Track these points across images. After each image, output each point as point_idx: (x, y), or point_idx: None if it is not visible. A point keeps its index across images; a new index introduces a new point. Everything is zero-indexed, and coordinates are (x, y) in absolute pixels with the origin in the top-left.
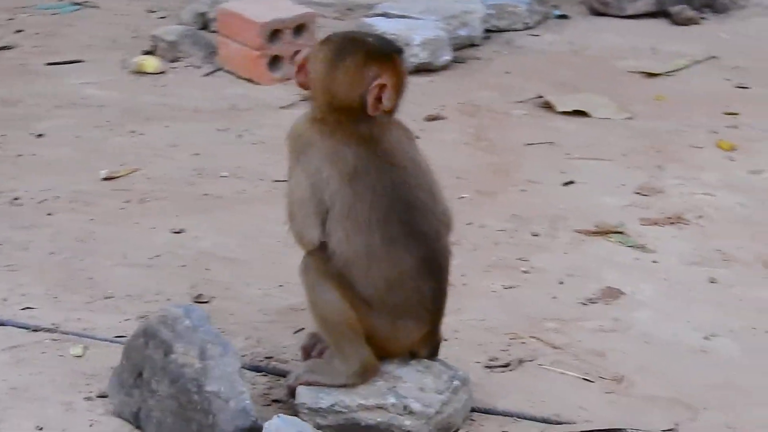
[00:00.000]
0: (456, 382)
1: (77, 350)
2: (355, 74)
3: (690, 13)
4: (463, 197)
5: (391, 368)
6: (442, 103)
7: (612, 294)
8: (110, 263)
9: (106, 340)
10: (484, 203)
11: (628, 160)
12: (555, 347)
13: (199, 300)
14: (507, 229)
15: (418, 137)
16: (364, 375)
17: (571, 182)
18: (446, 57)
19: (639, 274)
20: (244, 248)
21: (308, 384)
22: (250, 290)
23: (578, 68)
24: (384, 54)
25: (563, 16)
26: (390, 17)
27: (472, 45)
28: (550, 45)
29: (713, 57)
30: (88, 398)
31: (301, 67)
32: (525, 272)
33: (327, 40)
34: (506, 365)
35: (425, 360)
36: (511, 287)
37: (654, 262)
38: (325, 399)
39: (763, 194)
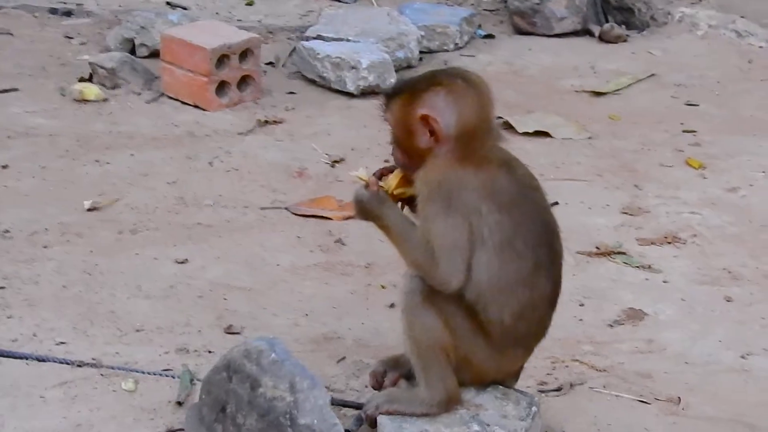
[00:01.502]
0: (534, 408)
1: (129, 385)
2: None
3: (618, 30)
4: None
5: (470, 396)
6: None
7: (636, 315)
8: (126, 296)
9: (155, 374)
10: None
11: (604, 180)
12: (599, 370)
13: (230, 331)
14: None
15: (387, 161)
16: (449, 404)
17: (556, 203)
18: (391, 79)
19: (654, 295)
20: (254, 277)
21: (389, 413)
22: (277, 320)
23: (524, 88)
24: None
25: (489, 36)
26: (326, 41)
27: (409, 67)
28: (488, 65)
29: (653, 75)
30: None
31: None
32: None
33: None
34: (558, 389)
35: (500, 387)
36: None
37: (665, 282)
38: (409, 428)
39: (747, 213)
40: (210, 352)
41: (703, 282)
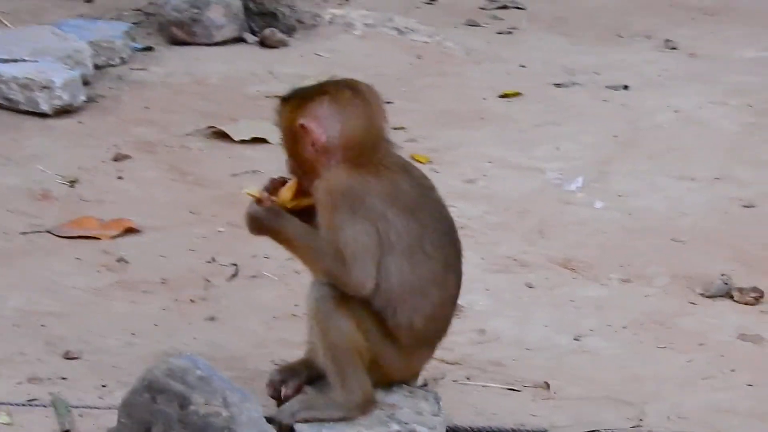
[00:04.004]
0: (441, 403)
1: (4, 418)
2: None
3: (280, 35)
4: (220, 231)
5: (381, 397)
6: (112, 142)
7: None
8: None
9: (22, 405)
10: (246, 234)
11: None
12: (450, 363)
13: (69, 356)
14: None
15: (122, 178)
16: (365, 406)
17: None
18: (81, 97)
19: None
20: (59, 302)
21: (306, 421)
22: (109, 342)
23: (214, 97)
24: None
25: (147, 48)
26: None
27: (86, 83)
28: (168, 77)
29: (334, 76)
30: None
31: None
32: None
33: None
34: (424, 385)
35: (404, 386)
36: None
37: None
38: None
39: (499, 202)
40: (64, 378)
41: (496, 271)
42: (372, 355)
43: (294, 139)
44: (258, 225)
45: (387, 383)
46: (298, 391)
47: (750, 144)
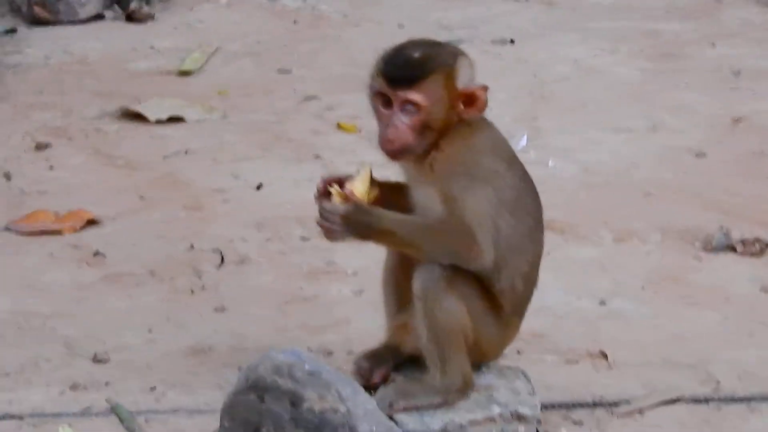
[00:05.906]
0: (531, 380)
1: (67, 429)
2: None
3: (147, 9)
4: (180, 216)
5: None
6: (24, 130)
7: None
8: None
9: (80, 415)
10: (207, 217)
11: (278, 155)
12: None
13: (98, 360)
14: (267, 237)
15: (53, 167)
16: (465, 390)
17: (261, 185)
18: None
19: None
20: (52, 302)
21: (406, 410)
22: (128, 340)
23: (104, 76)
24: None
25: (11, 31)
26: None
27: None
28: (49, 59)
29: (219, 47)
30: None
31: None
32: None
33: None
34: None
35: (489, 364)
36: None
37: None
38: (434, 421)
39: None
40: (107, 384)
41: None
42: (476, 335)
43: (448, 107)
44: (353, 225)
45: (480, 362)
46: (385, 378)
47: (661, 90)
